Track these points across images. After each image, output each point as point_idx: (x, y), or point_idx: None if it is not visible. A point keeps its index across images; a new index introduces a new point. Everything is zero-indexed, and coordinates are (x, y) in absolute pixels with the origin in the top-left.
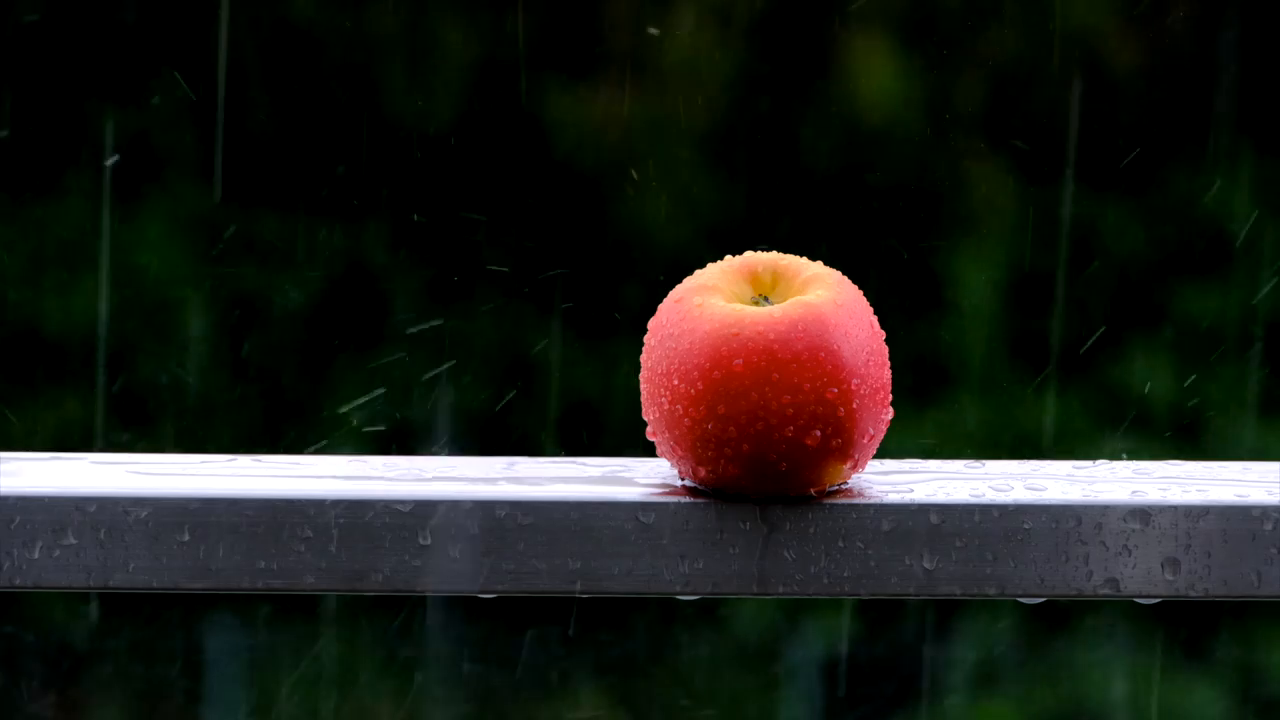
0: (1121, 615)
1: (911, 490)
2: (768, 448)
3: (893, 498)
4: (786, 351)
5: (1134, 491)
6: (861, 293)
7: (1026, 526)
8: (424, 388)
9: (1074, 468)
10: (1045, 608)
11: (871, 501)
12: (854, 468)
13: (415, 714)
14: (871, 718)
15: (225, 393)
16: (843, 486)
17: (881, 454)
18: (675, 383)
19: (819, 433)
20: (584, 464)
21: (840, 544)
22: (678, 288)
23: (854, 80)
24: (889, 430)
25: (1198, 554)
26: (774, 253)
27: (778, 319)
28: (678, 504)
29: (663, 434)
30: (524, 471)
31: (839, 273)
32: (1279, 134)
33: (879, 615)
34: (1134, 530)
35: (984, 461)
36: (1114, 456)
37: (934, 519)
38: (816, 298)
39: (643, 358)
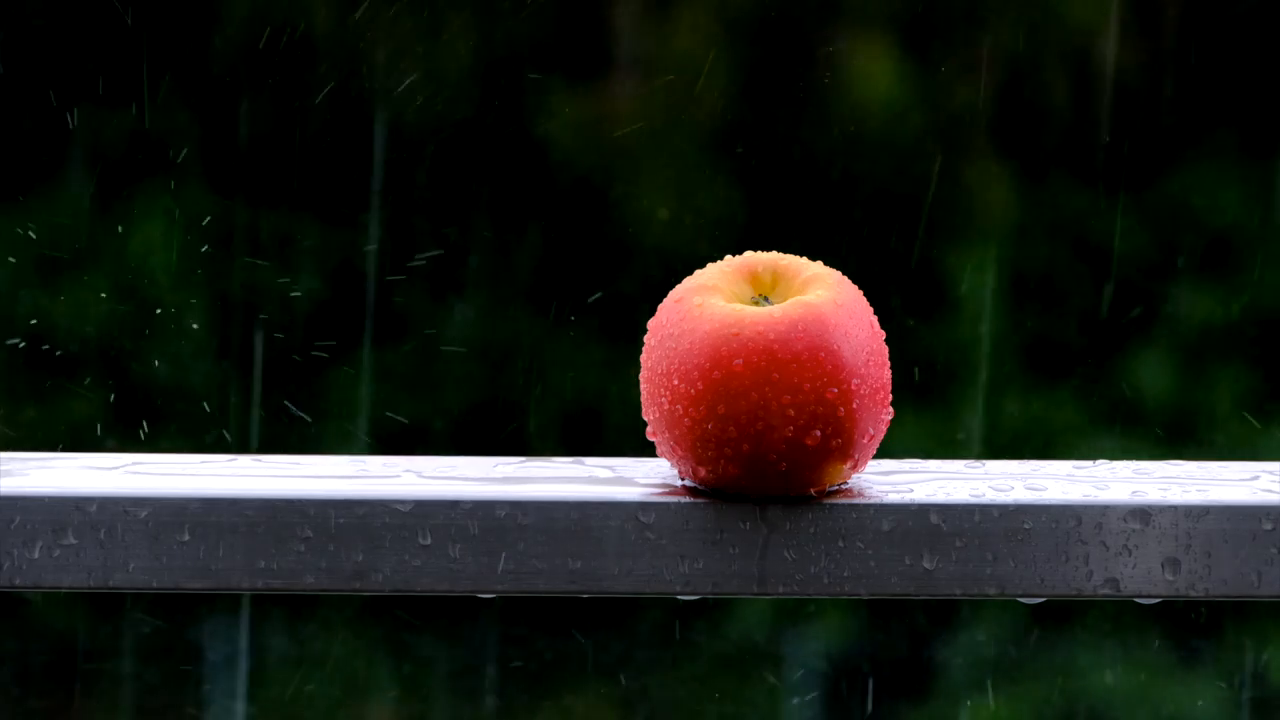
0: (1121, 615)
1: (911, 490)
2: (768, 448)
3: (893, 498)
4: (786, 351)
5: (1134, 491)
6: (861, 293)
7: (1026, 526)
8: (424, 387)
9: (1074, 468)
10: (1045, 608)
11: (871, 501)
12: (854, 468)
13: (415, 714)
14: (872, 718)
15: (225, 393)
16: (843, 486)
17: (881, 454)
18: (675, 383)
19: (819, 433)
20: (584, 464)
21: (840, 544)
22: (678, 288)
23: (854, 80)
24: (889, 430)
25: (1198, 554)
26: (774, 253)
27: (778, 319)
28: (678, 504)
29: (663, 434)
30: (524, 471)
31: (839, 273)
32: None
33: (879, 615)
34: (1134, 530)
35: (984, 461)
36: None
37: (934, 519)
38: (816, 298)
39: (643, 358)
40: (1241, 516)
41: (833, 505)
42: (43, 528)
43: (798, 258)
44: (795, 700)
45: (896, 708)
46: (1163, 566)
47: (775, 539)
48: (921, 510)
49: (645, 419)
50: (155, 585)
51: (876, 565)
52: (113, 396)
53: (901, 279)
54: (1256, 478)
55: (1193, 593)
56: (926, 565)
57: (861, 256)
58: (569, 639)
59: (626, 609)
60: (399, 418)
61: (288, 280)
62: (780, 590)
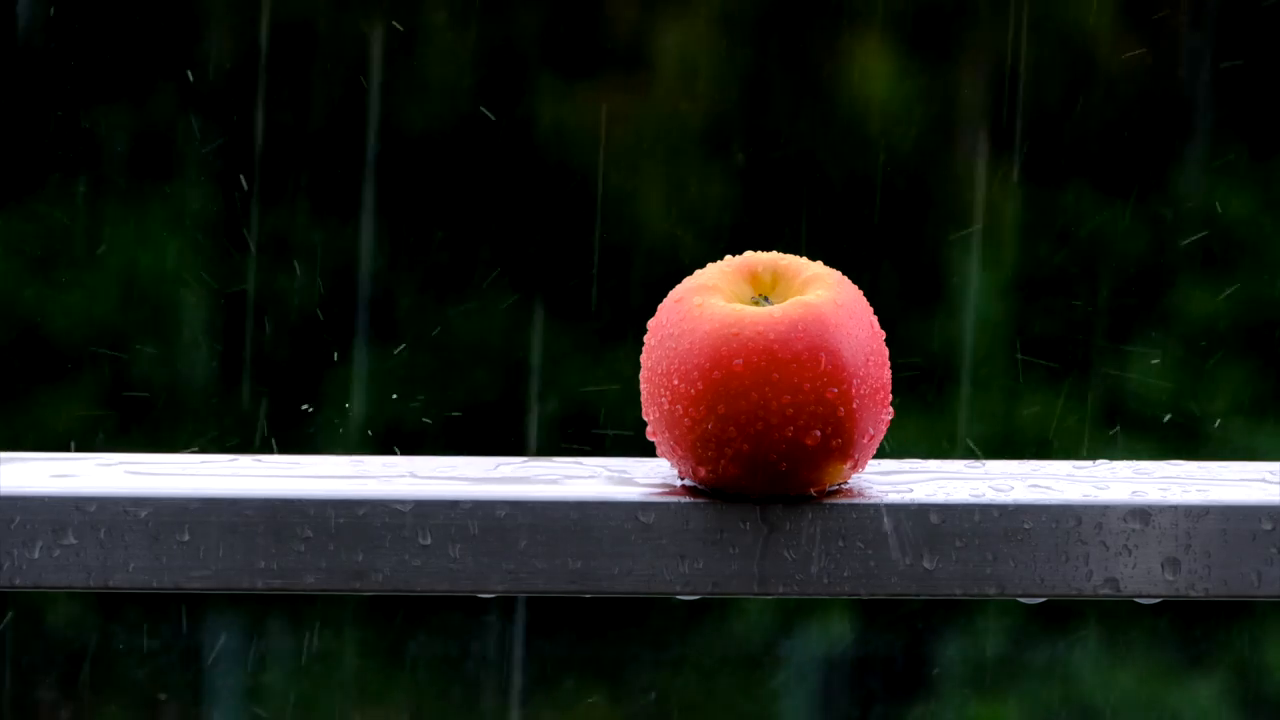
0: (1121, 615)
1: (911, 490)
2: (768, 448)
3: (893, 498)
4: (786, 351)
5: (1134, 491)
6: (861, 293)
7: (1026, 526)
8: (424, 387)
9: (1074, 468)
10: (1045, 608)
11: (871, 501)
12: (854, 468)
13: (415, 714)
14: (871, 718)
15: (226, 393)
16: (843, 486)
17: (881, 454)
18: (675, 383)
19: (819, 433)
20: (584, 464)
21: (840, 544)
22: (678, 288)
23: (854, 80)
24: (889, 430)
25: (1198, 554)
26: (774, 253)
27: (778, 319)
28: (678, 504)
29: (663, 434)
30: (524, 471)
31: (839, 273)
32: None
33: (879, 615)
34: (1134, 530)
35: (984, 461)
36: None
37: (934, 519)
38: (816, 298)
39: (643, 358)
40: (1241, 516)
41: (833, 505)
42: (43, 528)
43: (798, 258)
44: (795, 700)
45: (896, 708)
46: (1163, 566)
47: (775, 539)
48: (921, 510)
49: (645, 419)
50: (155, 585)
51: (876, 565)
52: (113, 396)
53: (901, 278)
54: (1256, 478)
55: (1193, 593)
56: (926, 565)
57: (861, 256)
58: (569, 639)
59: (626, 609)
60: (399, 418)
61: (287, 280)
62: (780, 590)
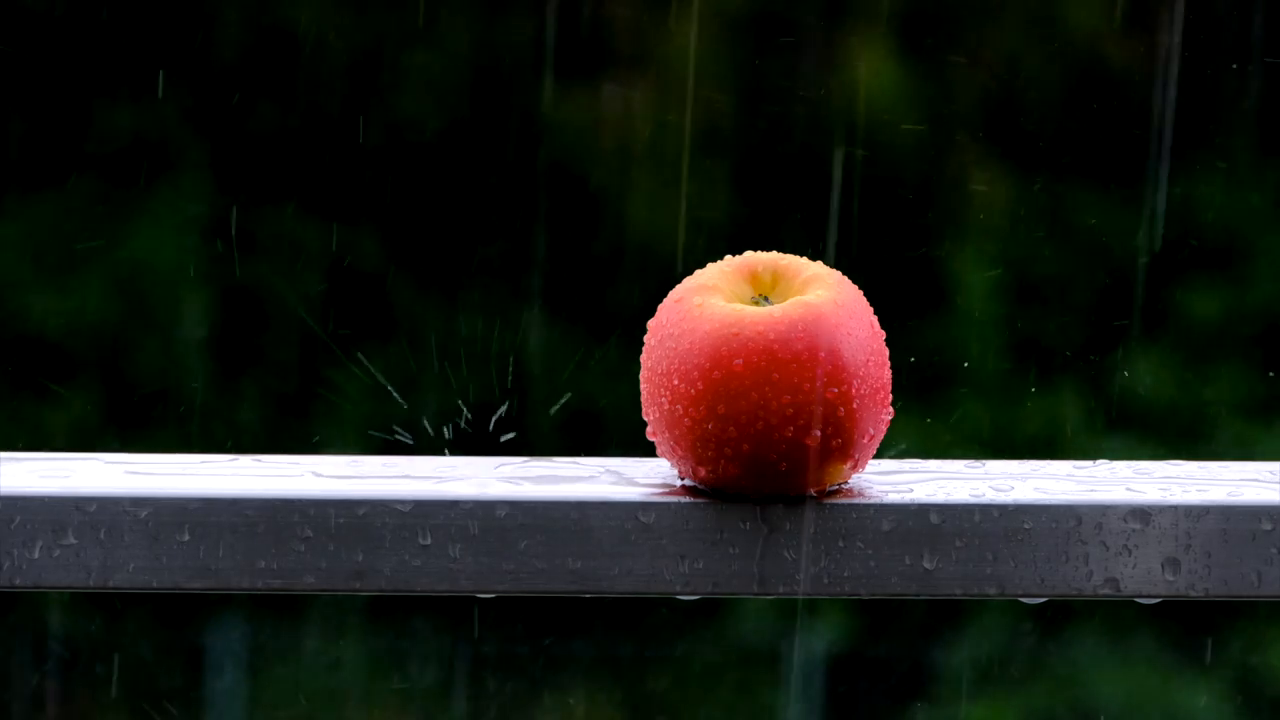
0: (1121, 615)
1: (911, 490)
2: (768, 448)
3: (893, 498)
4: (786, 351)
5: (1134, 491)
6: (861, 293)
7: (1026, 526)
8: (424, 388)
9: (1074, 468)
10: (1045, 608)
11: (871, 501)
12: (854, 468)
13: (415, 714)
14: (872, 718)
15: (226, 393)
16: (843, 486)
17: (881, 454)
18: (675, 383)
19: (819, 433)
20: (583, 464)
21: (840, 544)
22: (678, 288)
23: (854, 80)
24: (889, 430)
25: (1198, 554)
26: (774, 253)
27: (778, 319)
28: (678, 504)
29: (663, 434)
30: (524, 471)
31: (839, 273)
32: (1278, 133)
33: (879, 615)
34: (1134, 530)
35: (984, 461)
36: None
37: (934, 519)
38: (816, 298)
39: (643, 358)
40: (1241, 516)
41: (833, 505)
42: (43, 528)
43: (798, 258)
44: (795, 700)
45: (896, 708)
46: (1163, 566)
47: (775, 539)
48: (921, 510)
49: (645, 419)
50: (155, 585)
51: (876, 565)
52: (113, 396)
53: (901, 278)
54: (1257, 478)
55: (1193, 593)
56: (926, 565)
57: (861, 256)
58: (569, 639)
59: (626, 609)
60: (399, 418)
61: (288, 279)
62: (780, 590)
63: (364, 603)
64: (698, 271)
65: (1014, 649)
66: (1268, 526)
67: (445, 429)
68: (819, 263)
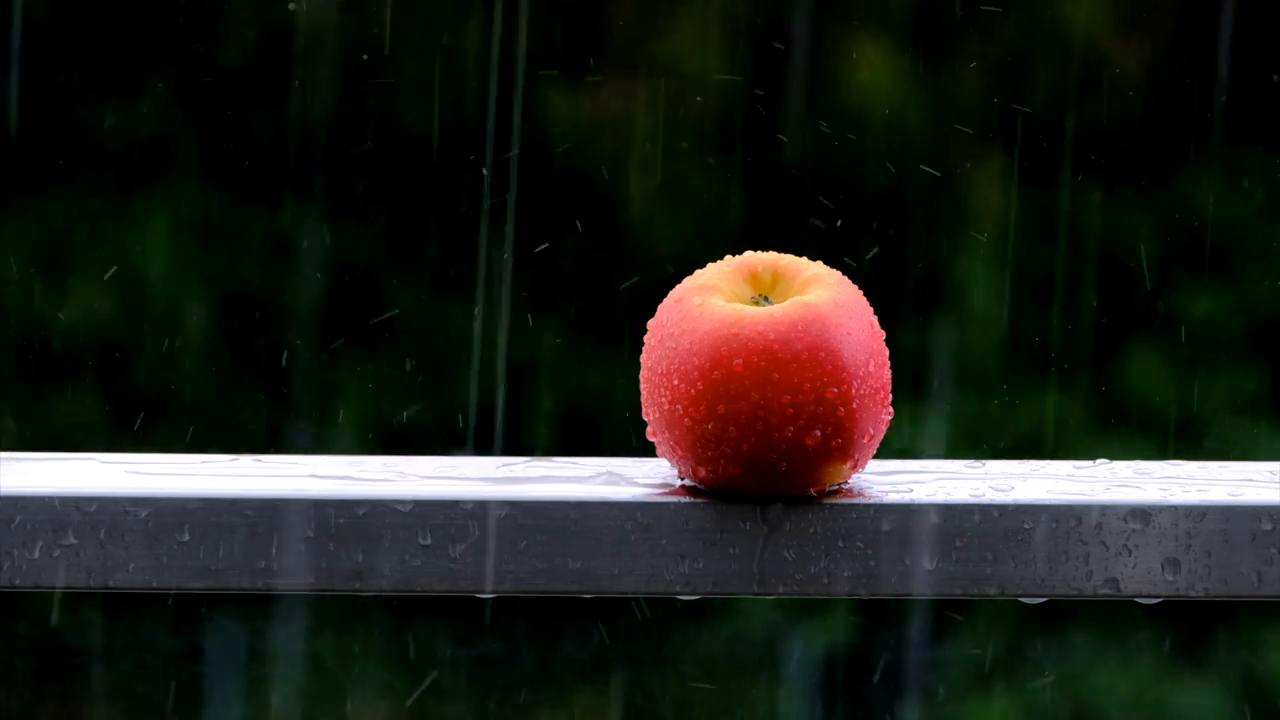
0: (1121, 615)
1: (911, 490)
2: (768, 448)
3: (893, 498)
4: (786, 351)
5: (1134, 491)
6: (861, 293)
7: (1026, 526)
8: (424, 388)
9: (1074, 468)
10: (1045, 608)
11: (871, 501)
12: (854, 468)
13: (415, 713)
14: (871, 718)
15: (225, 393)
16: (843, 486)
17: (881, 454)
18: (675, 383)
19: (819, 433)
20: (583, 464)
21: (840, 544)
22: (678, 288)
23: (854, 80)
24: (889, 430)
25: (1198, 554)
26: (774, 253)
27: (778, 319)
28: (678, 504)
29: (663, 434)
30: (524, 471)
31: (839, 273)
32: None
33: (879, 615)
34: (1134, 530)
35: (984, 461)
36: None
37: (934, 519)
38: (816, 298)
39: (643, 358)
40: (1241, 516)
41: (833, 505)
42: (43, 528)
43: (798, 258)
44: (795, 700)
45: (896, 708)
46: (1163, 566)
47: (775, 539)
48: (921, 510)
49: (645, 419)
50: (155, 585)
51: (876, 565)
52: (113, 396)
53: (901, 279)
54: (1256, 478)
55: (1193, 593)
56: (926, 565)
57: (861, 256)
58: (569, 639)
59: (626, 609)
60: (399, 418)
61: (287, 280)
62: (780, 590)
63: (364, 602)
64: (698, 271)
65: (1014, 649)
66: (1268, 526)
67: (445, 429)
68: (819, 263)
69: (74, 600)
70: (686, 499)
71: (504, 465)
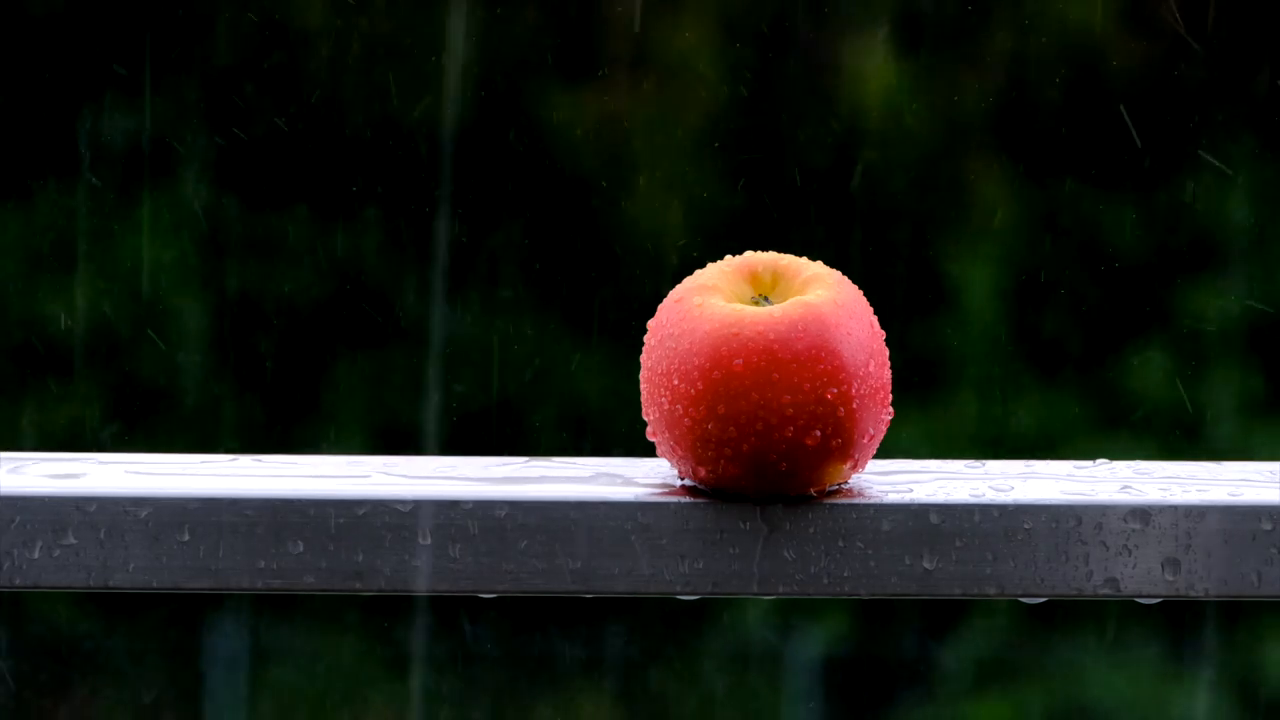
0: (1121, 615)
1: (911, 490)
2: (768, 448)
3: (893, 498)
4: (786, 351)
5: (1134, 491)
6: (861, 293)
7: (1026, 526)
8: (424, 388)
9: (1074, 468)
10: (1045, 608)
11: (871, 501)
12: (854, 468)
13: (415, 714)
14: (871, 718)
15: (226, 393)
16: (843, 486)
17: (882, 454)
18: (675, 383)
19: (819, 433)
20: (583, 464)
21: (840, 544)
22: (678, 288)
23: (854, 80)
24: (889, 430)
25: (1198, 554)
26: (774, 253)
27: (778, 319)
28: (678, 504)
29: (663, 434)
30: (523, 471)
31: (839, 273)
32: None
33: (879, 615)
34: (1134, 530)
35: (984, 461)
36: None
37: (934, 519)
38: (816, 298)
39: (643, 358)
40: (1241, 516)
41: (833, 505)
42: (43, 528)
43: (798, 258)
44: (795, 700)
45: (896, 708)
46: (1163, 566)
47: (775, 539)
48: (921, 510)
49: (645, 419)
50: (155, 585)
51: (876, 565)
52: (112, 396)
53: (901, 279)
54: (1256, 478)
55: (1193, 593)
56: (926, 565)
57: (861, 256)
58: (568, 639)
59: (626, 608)
60: (398, 418)
61: (287, 280)
62: (780, 590)
63: (363, 602)
64: (698, 271)
65: (1014, 649)
66: (1268, 526)
67: (444, 429)
68: (819, 263)
69: (74, 600)
70: (686, 499)
71: (503, 465)
